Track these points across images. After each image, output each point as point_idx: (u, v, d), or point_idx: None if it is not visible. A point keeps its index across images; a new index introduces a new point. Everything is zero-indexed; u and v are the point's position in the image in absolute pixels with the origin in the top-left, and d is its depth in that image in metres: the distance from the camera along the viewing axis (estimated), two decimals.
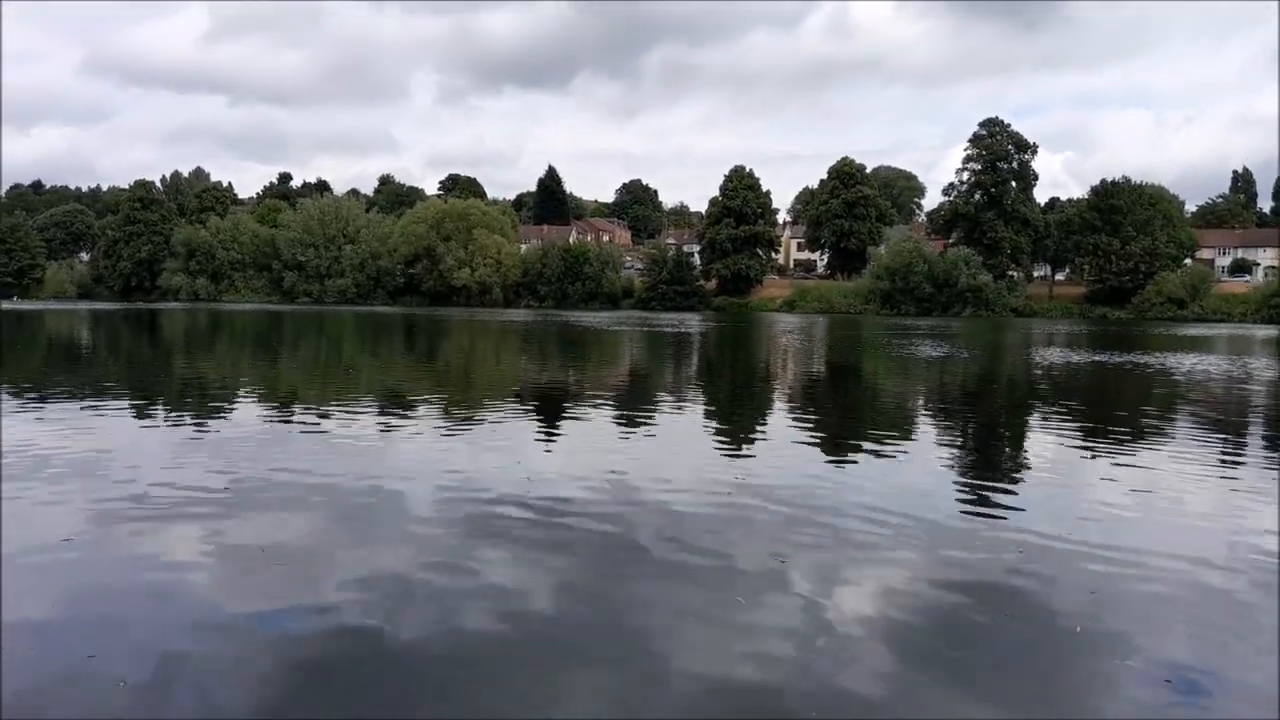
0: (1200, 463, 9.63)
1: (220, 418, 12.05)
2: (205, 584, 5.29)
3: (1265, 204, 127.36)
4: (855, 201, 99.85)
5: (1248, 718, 3.80)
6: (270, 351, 27.23)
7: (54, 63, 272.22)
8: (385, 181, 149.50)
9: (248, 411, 12.79)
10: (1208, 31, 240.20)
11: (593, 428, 11.77)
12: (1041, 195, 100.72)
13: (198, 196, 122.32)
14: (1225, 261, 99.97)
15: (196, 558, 5.70)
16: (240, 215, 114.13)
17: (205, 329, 40.77)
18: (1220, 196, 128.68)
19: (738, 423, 13.01)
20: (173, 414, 12.43)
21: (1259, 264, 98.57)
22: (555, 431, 11.69)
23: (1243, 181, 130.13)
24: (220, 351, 27.28)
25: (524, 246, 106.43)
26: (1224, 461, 9.90)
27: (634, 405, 14.78)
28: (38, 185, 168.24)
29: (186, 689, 3.91)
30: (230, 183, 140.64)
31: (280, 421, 11.89)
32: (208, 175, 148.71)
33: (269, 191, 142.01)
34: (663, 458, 9.52)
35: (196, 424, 11.45)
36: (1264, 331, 53.86)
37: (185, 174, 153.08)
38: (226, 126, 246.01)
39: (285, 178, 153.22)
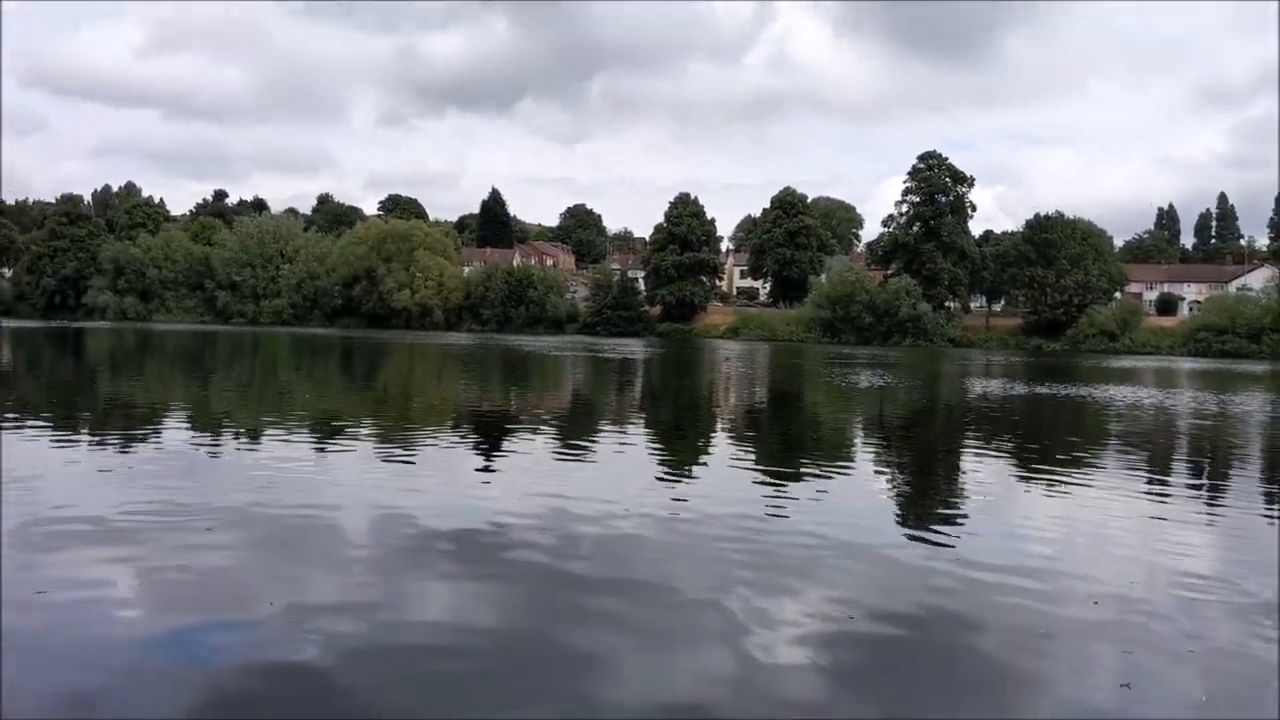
0: (1133, 494, 9.88)
1: (147, 441, 11.67)
2: (127, 614, 5.08)
3: (1188, 240, 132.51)
4: (797, 231, 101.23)
5: None
6: (202, 373, 26.53)
7: None
8: (324, 201, 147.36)
9: (177, 435, 12.40)
10: (1133, 73, 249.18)
11: (534, 455, 11.66)
12: (976, 228, 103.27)
13: (128, 212, 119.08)
14: (1152, 296, 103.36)
15: (119, 588, 5.48)
16: (173, 232, 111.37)
17: (134, 349, 39.59)
18: (1146, 232, 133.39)
19: (680, 450, 13.00)
20: (98, 437, 12.00)
21: (1184, 299, 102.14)
22: (496, 459, 11.55)
23: (1167, 219, 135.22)
24: (150, 372, 26.50)
25: (466, 269, 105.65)
26: (1152, 493, 10.16)
27: (576, 432, 14.69)
28: None
29: None
30: (162, 199, 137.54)
31: (211, 445, 11.56)
32: (139, 191, 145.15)
33: (203, 209, 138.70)
34: (604, 485, 9.45)
35: (123, 447, 11.05)
36: (1189, 364, 55.76)
37: (115, 189, 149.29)
38: (159, 142, 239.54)
39: (220, 195, 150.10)
